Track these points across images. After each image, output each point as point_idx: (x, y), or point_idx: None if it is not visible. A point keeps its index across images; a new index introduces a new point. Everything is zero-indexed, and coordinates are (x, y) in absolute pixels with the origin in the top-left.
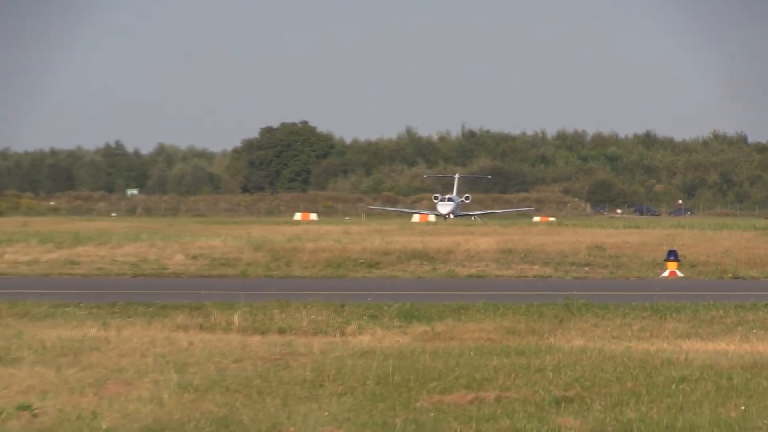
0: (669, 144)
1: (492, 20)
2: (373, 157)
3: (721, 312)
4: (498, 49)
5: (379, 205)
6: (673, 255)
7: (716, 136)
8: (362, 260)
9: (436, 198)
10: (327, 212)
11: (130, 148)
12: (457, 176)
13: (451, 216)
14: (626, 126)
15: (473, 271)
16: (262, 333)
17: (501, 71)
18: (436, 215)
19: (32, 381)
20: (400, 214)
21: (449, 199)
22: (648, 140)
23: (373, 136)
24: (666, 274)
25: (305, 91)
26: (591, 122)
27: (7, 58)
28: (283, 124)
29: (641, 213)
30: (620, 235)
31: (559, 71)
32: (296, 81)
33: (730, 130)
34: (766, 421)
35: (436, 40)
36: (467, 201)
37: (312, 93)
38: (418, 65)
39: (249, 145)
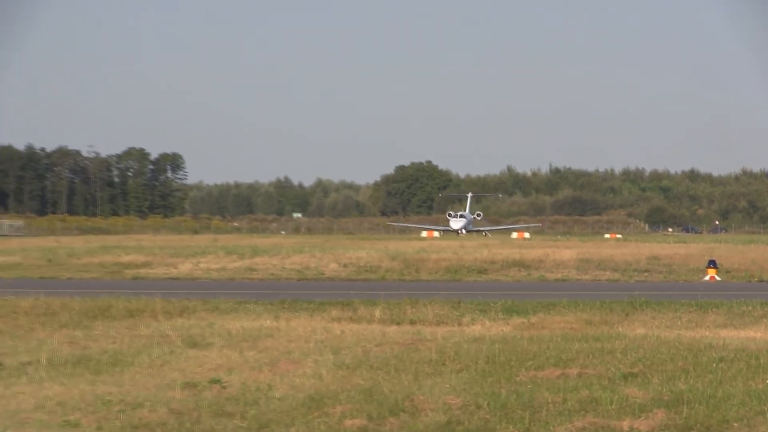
0: (709, 178)
1: (572, 80)
2: (481, 188)
3: (750, 307)
4: (578, 102)
5: (487, 224)
6: (712, 263)
7: (745, 172)
8: (474, 267)
9: (449, 215)
10: (473, 231)
11: (295, 181)
12: (469, 195)
13: (463, 231)
14: (676, 164)
15: (559, 276)
16: (398, 323)
17: (580, 120)
18: (449, 230)
19: (221, 361)
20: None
21: (461, 216)
22: (692, 175)
23: (482, 173)
24: (707, 278)
25: (430, 137)
26: (649, 161)
27: (201, 109)
28: (412, 163)
29: (687, 231)
30: (671, 248)
31: (625, 121)
32: (423, 129)
33: (756, 167)
34: None
35: (530, 96)
36: (479, 218)
37: (435, 138)
38: (517, 117)
39: (387, 179)
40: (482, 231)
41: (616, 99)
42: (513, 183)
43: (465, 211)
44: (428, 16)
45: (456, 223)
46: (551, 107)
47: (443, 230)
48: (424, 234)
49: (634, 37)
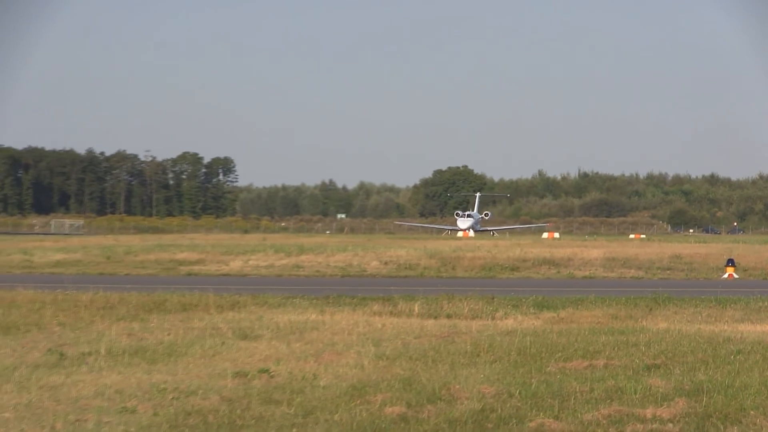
0: (727, 182)
1: (600, 89)
2: (514, 192)
3: (767, 303)
4: (605, 110)
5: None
6: (730, 262)
7: (761, 177)
8: (507, 265)
9: (457, 214)
10: (481, 231)
11: (339, 184)
12: (478, 194)
13: (471, 231)
14: (697, 169)
15: (587, 273)
16: (435, 317)
17: (607, 127)
18: (456, 230)
19: (269, 352)
20: (427, 230)
21: (468, 216)
22: (712, 180)
23: (514, 176)
24: (726, 276)
25: (466, 142)
26: (671, 166)
27: (252, 115)
28: (449, 167)
29: (707, 232)
30: (692, 248)
31: (649, 128)
32: (459, 135)
33: None
34: None
35: (560, 104)
36: (486, 217)
37: (470, 143)
38: (548, 124)
39: (425, 182)
40: (490, 231)
41: (641, 107)
42: (544, 186)
43: (473, 210)
44: (467, 28)
45: (463, 223)
46: (580, 115)
47: (450, 230)
48: (460, 234)
49: (661, 47)
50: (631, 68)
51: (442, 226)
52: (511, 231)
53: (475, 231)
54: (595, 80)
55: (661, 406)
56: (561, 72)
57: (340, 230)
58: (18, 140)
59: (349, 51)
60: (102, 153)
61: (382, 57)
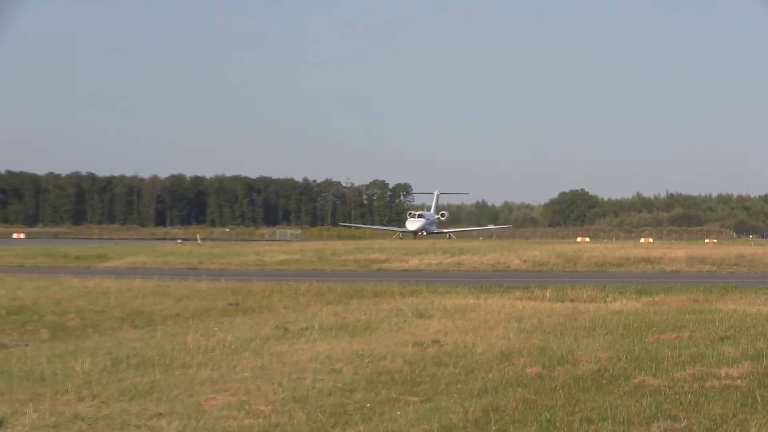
0: None
1: (687, 128)
2: (618, 208)
3: None
4: (690, 145)
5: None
6: None
7: None
8: (614, 262)
9: (410, 214)
10: (595, 236)
11: (489, 203)
12: (436, 192)
13: (424, 233)
14: (756, 189)
15: (674, 268)
16: (561, 301)
17: (689, 158)
18: (407, 232)
19: (439, 327)
20: (375, 231)
21: (419, 216)
22: (767, 198)
23: (619, 196)
24: None
25: (584, 169)
26: (736, 187)
27: (426, 150)
28: (570, 190)
29: (763, 237)
30: (752, 249)
31: (719, 158)
32: (579, 163)
33: None
34: None
35: (654, 138)
36: (443, 218)
37: (587, 169)
38: (645, 154)
39: (553, 201)
40: (446, 233)
41: (713, 142)
42: (641, 204)
43: (431, 211)
44: (580, 68)
45: (412, 224)
46: (670, 148)
47: (402, 232)
48: (578, 239)
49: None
50: (708, 110)
51: (392, 228)
52: (468, 233)
53: (428, 233)
54: (681, 120)
55: (732, 366)
56: (655, 113)
57: (490, 237)
58: (252, 171)
59: (491, 101)
60: (314, 180)
61: (519, 100)
